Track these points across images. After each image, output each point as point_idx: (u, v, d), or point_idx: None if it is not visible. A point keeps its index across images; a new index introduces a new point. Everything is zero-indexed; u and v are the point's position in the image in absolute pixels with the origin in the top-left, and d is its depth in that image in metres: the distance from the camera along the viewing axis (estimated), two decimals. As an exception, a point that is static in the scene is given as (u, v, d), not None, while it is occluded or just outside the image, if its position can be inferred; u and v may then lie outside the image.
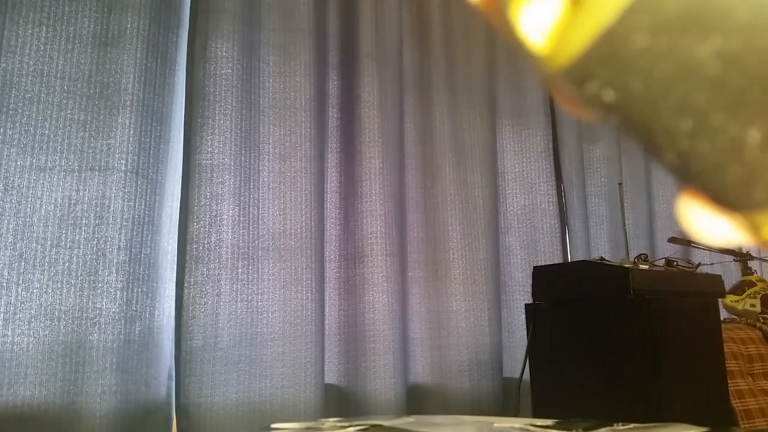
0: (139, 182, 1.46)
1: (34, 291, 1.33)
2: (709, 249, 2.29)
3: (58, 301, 1.35)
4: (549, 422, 0.59)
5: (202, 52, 1.62)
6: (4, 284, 1.31)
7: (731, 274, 2.56)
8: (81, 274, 1.37)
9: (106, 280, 1.38)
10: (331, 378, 1.78)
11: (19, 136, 1.36)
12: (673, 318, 1.50)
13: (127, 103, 1.46)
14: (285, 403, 1.59)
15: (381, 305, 1.78)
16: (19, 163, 1.36)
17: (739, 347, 1.92)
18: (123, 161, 1.44)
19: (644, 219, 2.61)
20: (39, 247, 1.35)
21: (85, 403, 1.32)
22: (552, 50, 0.16)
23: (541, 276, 1.64)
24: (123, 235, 1.41)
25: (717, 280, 1.69)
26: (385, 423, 0.59)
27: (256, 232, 1.64)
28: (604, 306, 1.50)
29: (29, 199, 1.36)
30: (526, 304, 1.68)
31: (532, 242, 2.26)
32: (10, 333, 1.30)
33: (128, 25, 1.49)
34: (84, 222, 1.40)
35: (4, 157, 1.34)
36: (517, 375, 1.68)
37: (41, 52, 1.41)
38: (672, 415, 1.40)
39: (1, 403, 1.26)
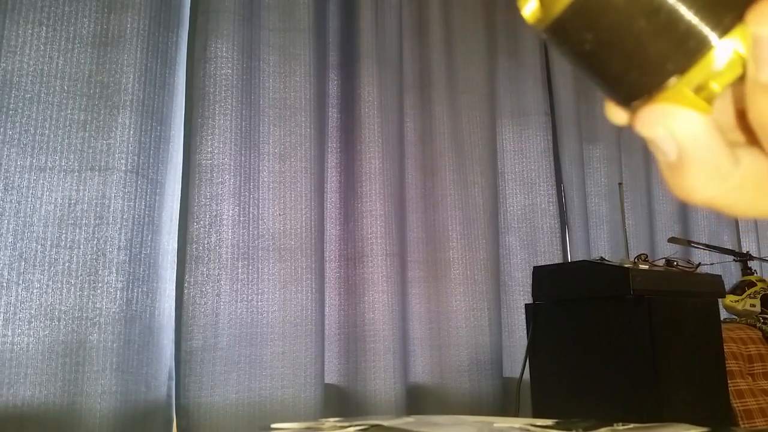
0: (139, 182, 1.46)
1: (34, 291, 1.33)
2: (709, 249, 2.29)
3: (58, 301, 1.35)
4: (549, 422, 0.59)
5: (202, 52, 1.62)
6: (4, 284, 1.31)
7: (731, 274, 2.56)
8: (81, 274, 1.37)
9: (106, 280, 1.38)
10: (331, 378, 1.78)
11: (19, 136, 1.36)
12: (673, 318, 1.50)
13: (127, 103, 1.46)
14: (285, 403, 1.59)
15: (381, 305, 1.78)
16: (19, 163, 1.36)
17: (739, 347, 1.92)
18: (123, 161, 1.44)
19: (644, 219, 2.61)
20: (39, 247, 1.35)
21: (85, 403, 1.32)
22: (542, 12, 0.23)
23: (541, 276, 1.64)
24: (123, 235, 1.41)
25: (717, 280, 1.69)
26: (385, 423, 0.59)
27: (256, 232, 1.64)
28: (604, 306, 1.50)
29: (29, 199, 1.36)
30: (526, 304, 1.68)
31: (532, 242, 2.26)
32: (10, 333, 1.30)
33: (128, 25, 1.49)
34: (84, 222, 1.40)
35: (4, 157, 1.34)
36: (517, 375, 1.68)
37: (41, 52, 1.41)
38: (672, 415, 1.39)
39: (1, 403, 1.26)
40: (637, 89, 0.22)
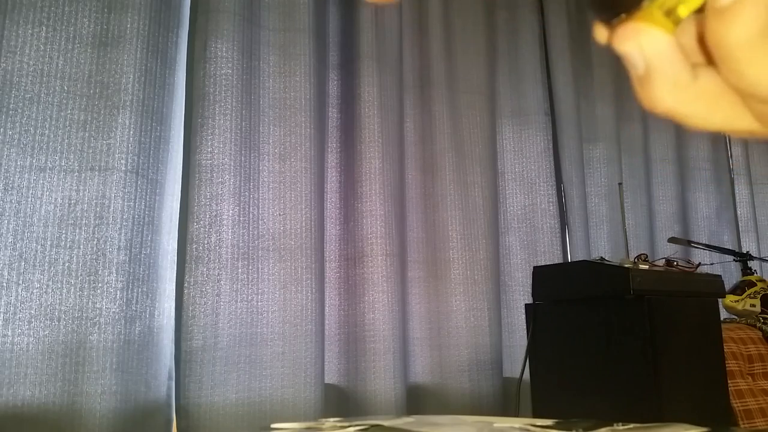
0: (139, 182, 1.46)
1: (34, 291, 1.33)
2: (709, 249, 2.29)
3: (58, 301, 1.35)
4: (549, 422, 0.59)
5: (202, 52, 1.62)
6: (4, 284, 1.31)
7: (731, 274, 2.56)
8: (81, 274, 1.37)
9: (106, 280, 1.38)
10: (331, 378, 1.78)
11: (19, 136, 1.36)
12: (673, 318, 1.50)
13: (127, 103, 1.46)
14: (285, 403, 1.59)
15: (381, 305, 1.78)
16: (19, 163, 1.36)
17: (739, 347, 1.92)
18: (123, 161, 1.44)
19: (644, 219, 2.61)
20: (39, 247, 1.35)
21: (85, 403, 1.32)
22: None
23: (541, 276, 1.64)
24: (123, 235, 1.41)
25: (717, 280, 1.69)
26: (385, 423, 0.59)
27: (256, 232, 1.64)
28: (604, 306, 1.50)
29: (29, 199, 1.36)
30: (526, 304, 1.68)
31: (532, 242, 2.26)
32: (10, 333, 1.30)
33: (128, 25, 1.49)
34: (84, 222, 1.40)
35: (4, 157, 1.34)
36: (517, 375, 1.68)
37: (41, 52, 1.41)
38: (672, 415, 1.39)
39: (1, 403, 1.26)
40: (617, 8, 0.26)
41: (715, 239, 2.69)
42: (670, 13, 0.25)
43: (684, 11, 0.25)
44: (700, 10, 0.25)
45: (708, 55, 0.26)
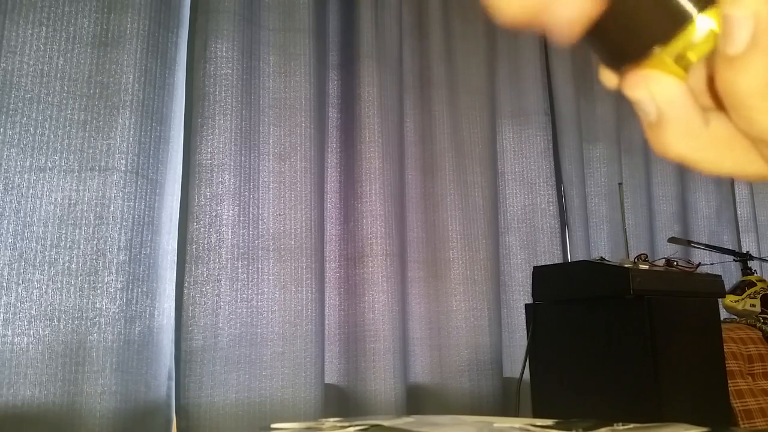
0: (139, 182, 1.46)
1: (34, 291, 1.33)
2: (709, 249, 2.29)
3: (58, 301, 1.35)
4: (549, 422, 0.59)
5: (202, 52, 1.62)
6: (4, 284, 1.31)
7: (731, 274, 2.55)
8: (81, 274, 1.37)
9: (106, 280, 1.38)
10: (331, 378, 1.78)
11: (19, 136, 1.36)
12: (673, 318, 1.50)
13: (127, 103, 1.46)
14: (285, 403, 1.59)
15: (381, 305, 1.78)
16: (19, 163, 1.36)
17: (739, 347, 1.92)
18: (123, 161, 1.44)
19: (644, 219, 2.61)
20: (39, 247, 1.35)
21: (85, 403, 1.32)
22: None
23: (541, 276, 1.64)
24: (123, 235, 1.41)
25: (717, 280, 1.69)
26: (385, 423, 0.59)
27: (256, 232, 1.64)
28: (604, 306, 1.50)
29: (29, 199, 1.36)
30: (526, 304, 1.68)
31: (532, 242, 2.25)
32: (10, 333, 1.30)
33: (128, 25, 1.49)
34: (84, 222, 1.40)
35: (4, 157, 1.34)
36: (517, 375, 1.68)
37: (41, 52, 1.41)
38: (672, 415, 1.39)
39: (1, 403, 1.26)
40: (626, 56, 0.26)
41: (715, 239, 2.69)
42: (680, 58, 0.25)
43: (694, 57, 0.25)
44: (711, 53, 0.25)
45: (717, 99, 0.26)
